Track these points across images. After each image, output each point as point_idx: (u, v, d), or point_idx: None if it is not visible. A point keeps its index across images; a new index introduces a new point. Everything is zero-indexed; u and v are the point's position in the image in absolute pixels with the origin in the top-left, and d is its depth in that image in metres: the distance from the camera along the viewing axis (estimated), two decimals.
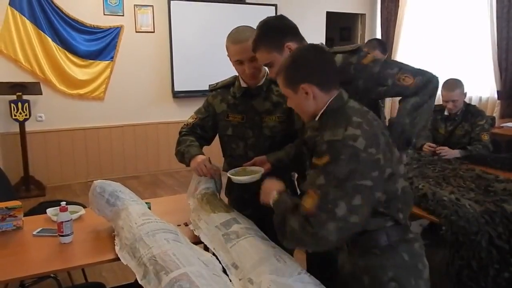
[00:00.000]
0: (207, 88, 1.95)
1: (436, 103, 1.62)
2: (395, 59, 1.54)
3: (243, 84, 1.81)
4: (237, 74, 1.84)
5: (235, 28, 1.74)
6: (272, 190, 1.36)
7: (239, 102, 1.82)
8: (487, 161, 2.70)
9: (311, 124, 1.32)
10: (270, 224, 1.79)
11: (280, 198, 1.31)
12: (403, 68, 1.54)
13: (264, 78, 1.80)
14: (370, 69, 1.52)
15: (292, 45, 1.50)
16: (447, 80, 3.03)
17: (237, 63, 1.71)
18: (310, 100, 1.27)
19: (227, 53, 1.76)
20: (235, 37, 1.68)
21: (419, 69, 1.56)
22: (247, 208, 1.79)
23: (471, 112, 3.04)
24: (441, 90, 3.02)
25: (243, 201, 1.85)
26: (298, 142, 1.77)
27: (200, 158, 1.74)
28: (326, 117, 1.26)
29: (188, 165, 1.79)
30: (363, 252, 1.26)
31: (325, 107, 1.27)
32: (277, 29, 1.51)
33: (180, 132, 1.92)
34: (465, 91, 3.03)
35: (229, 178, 1.77)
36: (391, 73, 1.52)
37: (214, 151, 1.82)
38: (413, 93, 1.52)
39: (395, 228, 1.24)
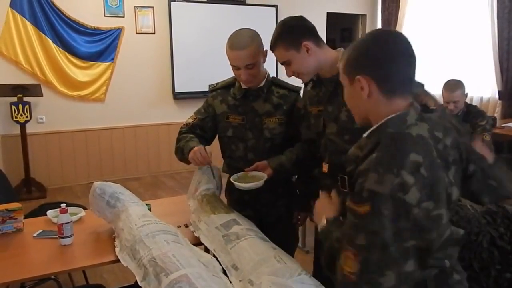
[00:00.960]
0: (207, 89, 1.94)
1: (438, 100, 1.61)
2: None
3: (244, 86, 1.80)
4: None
5: (237, 31, 1.72)
6: (322, 213, 1.17)
7: (240, 103, 1.82)
8: None
9: (358, 141, 1.08)
10: (269, 224, 1.81)
11: (328, 229, 1.10)
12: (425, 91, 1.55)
13: (265, 80, 1.80)
14: None
15: (310, 44, 1.51)
16: (448, 81, 3.03)
17: (234, 68, 1.72)
18: (363, 98, 1.03)
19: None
20: (233, 43, 1.68)
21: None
22: (247, 209, 1.80)
23: (472, 112, 3.04)
24: (442, 91, 3.03)
25: (243, 202, 1.85)
26: (300, 145, 1.77)
27: (196, 148, 1.74)
28: (376, 138, 0.99)
29: (187, 160, 1.78)
30: None
31: (380, 123, 1.01)
32: (296, 28, 1.53)
33: (179, 132, 1.91)
34: (466, 92, 3.02)
35: (229, 179, 1.78)
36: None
37: (213, 151, 1.81)
38: None
39: (439, 276, 1.02)
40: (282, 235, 1.81)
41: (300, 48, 1.50)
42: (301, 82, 1.66)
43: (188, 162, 1.80)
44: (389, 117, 1.00)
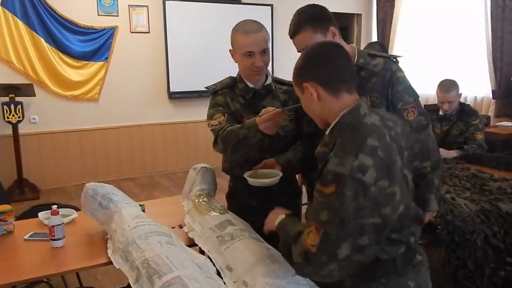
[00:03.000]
0: (203, 88, 1.87)
1: (431, 103, 1.63)
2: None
3: (251, 85, 1.73)
4: (227, 73, 1.80)
5: (242, 21, 1.68)
6: (277, 214, 1.29)
7: (250, 102, 1.73)
8: (483, 160, 2.70)
9: (322, 139, 1.19)
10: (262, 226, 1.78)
11: (285, 220, 1.23)
12: (417, 102, 1.58)
13: (270, 77, 1.77)
14: (398, 84, 1.56)
15: (335, 31, 1.52)
16: (442, 81, 3.05)
17: (246, 55, 1.64)
18: (315, 102, 1.15)
19: (230, 49, 1.70)
20: (246, 28, 1.62)
21: (426, 112, 1.62)
22: (255, 215, 1.70)
23: (465, 111, 3.06)
24: (437, 91, 3.05)
25: (251, 208, 1.75)
26: (302, 141, 1.75)
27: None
28: (337, 132, 1.11)
29: (258, 140, 1.50)
30: (368, 279, 1.15)
31: (336, 120, 1.13)
32: (323, 12, 1.53)
33: (217, 134, 1.65)
34: (460, 92, 3.04)
35: (233, 186, 1.74)
36: (406, 100, 1.56)
37: (211, 151, 1.75)
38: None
39: (406, 254, 1.14)
40: None
41: (327, 33, 1.51)
42: None
43: (257, 137, 1.49)
44: (344, 111, 1.12)
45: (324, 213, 1.02)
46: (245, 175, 1.60)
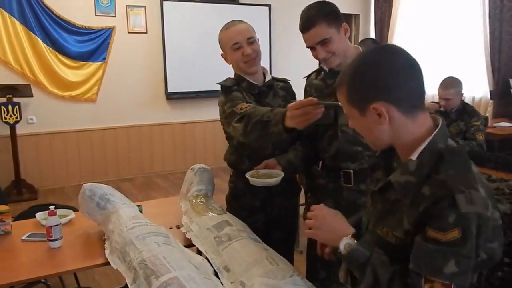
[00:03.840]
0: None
1: (431, 99, 1.61)
2: None
3: (254, 81, 1.74)
4: (225, 74, 1.81)
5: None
6: (339, 230, 1.04)
7: (256, 99, 1.73)
8: (481, 160, 2.72)
9: (402, 166, 0.96)
10: (273, 224, 1.78)
11: (355, 251, 0.98)
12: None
13: (268, 74, 1.79)
14: None
15: (347, 27, 1.54)
16: (445, 78, 3.13)
17: (234, 49, 1.66)
18: (385, 125, 0.93)
19: (221, 51, 1.72)
20: (228, 24, 1.69)
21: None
22: (258, 215, 1.75)
23: (467, 112, 3.09)
24: (438, 87, 3.11)
25: (254, 208, 1.77)
26: (301, 142, 1.75)
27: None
28: (431, 158, 0.91)
29: (280, 130, 1.40)
30: None
31: (428, 141, 0.92)
32: (336, 9, 1.54)
33: (245, 113, 1.52)
34: (461, 92, 3.08)
35: (234, 187, 1.75)
36: None
37: (218, 147, 1.75)
38: None
39: None
40: (284, 234, 1.81)
41: (340, 28, 1.52)
42: (325, 66, 1.63)
43: (281, 128, 1.39)
44: (435, 132, 0.93)
45: (451, 265, 0.84)
46: (247, 175, 1.60)
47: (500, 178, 2.30)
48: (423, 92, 0.96)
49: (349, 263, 1.00)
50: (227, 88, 1.71)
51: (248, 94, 1.72)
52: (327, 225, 1.05)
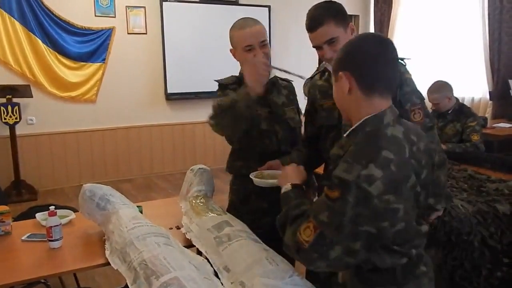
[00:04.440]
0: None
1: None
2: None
3: None
4: (228, 75, 1.80)
5: (238, 19, 1.72)
6: (289, 178, 1.29)
7: (259, 97, 1.68)
8: (479, 161, 2.72)
9: (340, 140, 1.18)
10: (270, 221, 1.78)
11: (289, 193, 1.23)
12: (423, 104, 1.59)
13: (270, 73, 1.76)
14: (406, 85, 1.57)
15: (354, 27, 1.55)
16: (433, 83, 3.15)
17: (246, 50, 1.66)
18: (345, 94, 1.10)
19: (230, 48, 1.71)
20: (242, 24, 1.67)
21: (431, 114, 1.63)
22: (267, 217, 1.71)
23: (464, 112, 3.09)
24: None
25: (262, 210, 1.76)
26: (304, 143, 1.77)
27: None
28: (353, 137, 1.09)
29: (247, 96, 1.54)
30: (368, 287, 1.13)
31: (358, 123, 1.09)
32: (343, 9, 1.55)
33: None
34: (450, 94, 3.09)
35: (240, 190, 1.75)
36: (414, 101, 1.56)
37: (218, 148, 1.76)
38: None
39: (407, 265, 1.11)
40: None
41: (347, 28, 1.53)
42: (329, 66, 1.64)
43: (242, 101, 1.53)
44: (367, 117, 1.08)
45: (325, 214, 1.02)
46: (251, 175, 1.60)
47: (499, 179, 2.31)
48: (388, 81, 1.11)
49: (282, 202, 1.24)
50: (222, 86, 1.75)
51: None
52: (286, 174, 1.33)
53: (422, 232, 1.15)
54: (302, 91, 2.81)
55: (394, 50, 1.11)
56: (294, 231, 1.09)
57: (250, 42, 1.64)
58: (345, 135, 1.14)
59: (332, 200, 1.02)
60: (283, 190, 1.26)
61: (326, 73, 1.69)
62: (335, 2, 1.55)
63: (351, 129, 1.11)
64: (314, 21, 1.51)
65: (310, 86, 1.78)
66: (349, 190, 0.98)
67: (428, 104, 3.29)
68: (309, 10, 1.54)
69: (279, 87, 1.80)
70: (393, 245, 1.06)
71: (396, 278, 1.11)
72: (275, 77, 1.81)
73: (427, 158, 1.11)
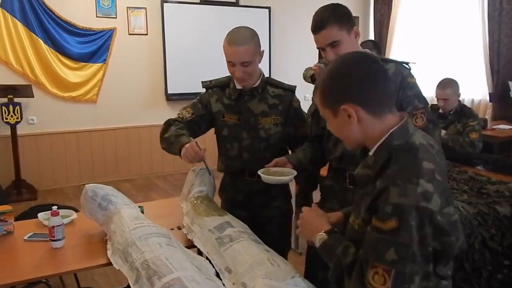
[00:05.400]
0: (200, 90, 1.92)
1: (430, 101, 1.64)
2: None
3: (238, 86, 1.79)
4: (227, 74, 1.84)
5: (236, 27, 1.73)
6: (317, 227, 1.14)
7: (235, 103, 1.81)
8: (468, 161, 2.76)
9: (363, 160, 1.08)
10: (262, 225, 1.80)
11: (328, 242, 1.09)
12: (426, 108, 1.59)
13: (260, 80, 1.79)
14: (408, 89, 1.57)
15: (358, 31, 1.56)
16: (442, 79, 3.16)
17: (229, 63, 1.71)
18: (354, 125, 1.02)
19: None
20: (232, 39, 1.68)
21: (435, 120, 1.62)
22: (240, 209, 1.79)
23: (465, 113, 3.11)
24: (436, 88, 3.15)
25: (236, 202, 1.86)
26: (309, 143, 1.77)
27: (188, 144, 1.66)
28: (384, 153, 1.00)
29: (178, 154, 1.71)
30: None
31: (383, 139, 1.02)
32: (349, 12, 1.56)
33: (169, 123, 1.82)
34: (459, 92, 3.12)
35: (223, 179, 1.74)
36: (416, 105, 1.56)
37: (209, 149, 1.78)
38: None
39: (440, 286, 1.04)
40: (275, 236, 1.81)
41: (351, 32, 1.53)
42: None
43: (175, 154, 1.74)
44: (392, 130, 1.01)
45: (391, 252, 0.91)
46: (259, 172, 1.63)
47: (499, 181, 2.31)
48: (390, 95, 1.06)
49: (322, 254, 1.11)
50: (204, 86, 1.88)
51: (226, 97, 1.83)
52: (310, 223, 1.18)
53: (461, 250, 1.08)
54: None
55: (379, 62, 1.06)
56: (359, 280, 0.97)
57: (232, 60, 1.68)
58: (370, 153, 1.05)
59: (391, 233, 0.91)
60: (319, 243, 1.11)
61: None
62: (341, 5, 1.56)
63: (378, 145, 1.03)
64: (319, 23, 1.52)
65: (315, 86, 1.79)
66: (410, 214, 0.90)
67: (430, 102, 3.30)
68: (316, 12, 1.55)
69: (264, 95, 1.80)
70: (443, 265, 1.01)
71: None
72: (266, 82, 1.81)
73: (443, 160, 1.08)
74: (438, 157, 1.02)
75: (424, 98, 1.61)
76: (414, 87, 1.59)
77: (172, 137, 1.74)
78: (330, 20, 1.50)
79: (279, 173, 1.63)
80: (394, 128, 1.01)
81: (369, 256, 0.95)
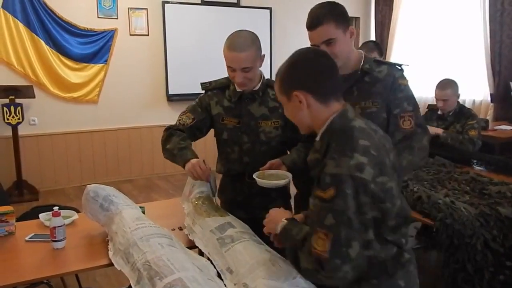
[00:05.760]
0: (201, 91, 1.91)
1: (431, 102, 1.63)
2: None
3: (238, 89, 1.78)
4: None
5: (237, 31, 1.71)
6: (278, 218, 1.27)
7: (235, 106, 1.80)
8: (467, 161, 2.76)
9: (313, 146, 1.22)
10: (262, 226, 1.79)
11: (288, 225, 1.22)
12: (415, 112, 1.58)
13: (260, 83, 1.79)
14: (398, 91, 1.56)
15: (354, 31, 1.55)
16: (442, 80, 3.15)
17: (229, 68, 1.70)
18: (304, 110, 1.18)
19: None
20: (232, 44, 1.65)
21: (425, 125, 1.63)
22: (240, 210, 1.78)
23: (464, 113, 3.10)
24: (435, 89, 3.13)
25: (236, 203, 1.85)
26: (304, 143, 1.76)
27: (195, 160, 1.68)
28: (328, 137, 1.14)
29: (181, 166, 1.72)
30: (360, 280, 1.13)
31: (326, 125, 1.17)
32: (345, 11, 1.55)
33: (170, 131, 1.82)
34: (458, 93, 3.10)
35: (222, 180, 1.74)
36: (404, 108, 1.56)
37: (210, 152, 1.79)
38: (402, 137, 1.56)
39: (396, 254, 1.16)
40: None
41: (346, 31, 1.53)
42: None
43: (180, 165, 1.74)
44: (332, 117, 1.16)
45: (329, 217, 1.03)
46: (254, 175, 1.62)
47: (501, 182, 2.31)
48: (338, 86, 1.22)
49: (282, 239, 1.23)
50: (203, 88, 1.87)
51: (226, 99, 1.81)
52: (273, 217, 1.31)
53: (409, 218, 1.21)
54: None
55: (329, 57, 1.23)
56: (308, 250, 1.08)
57: (232, 66, 1.67)
58: (317, 139, 1.19)
59: (330, 201, 1.04)
60: (279, 229, 1.24)
61: None
62: (338, 3, 1.55)
63: (322, 132, 1.17)
64: (315, 19, 1.51)
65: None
66: (345, 182, 1.02)
67: (421, 106, 3.29)
68: (312, 9, 1.54)
69: (265, 98, 1.79)
70: (388, 235, 1.11)
71: (387, 268, 1.15)
72: (266, 85, 1.80)
73: (388, 143, 1.21)
74: (381, 139, 1.16)
75: (415, 101, 1.61)
76: (405, 89, 1.58)
77: (175, 149, 1.74)
78: (327, 17, 1.49)
79: (274, 176, 1.63)
80: (334, 115, 1.16)
81: (314, 224, 1.09)
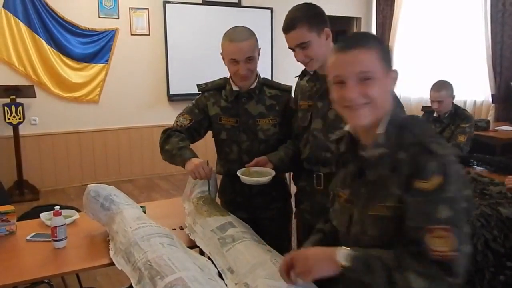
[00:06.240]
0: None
1: (425, 104, 1.63)
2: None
3: (235, 88, 1.79)
4: (226, 76, 1.83)
5: (232, 27, 1.72)
6: (324, 252, 1.00)
7: (232, 105, 1.80)
8: (476, 163, 2.75)
9: (371, 143, 1.03)
10: (263, 226, 1.80)
11: (359, 253, 0.95)
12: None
13: (256, 81, 1.79)
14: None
15: (329, 32, 1.53)
16: (437, 81, 3.13)
17: (232, 62, 1.69)
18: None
19: (221, 52, 1.74)
20: (233, 36, 1.67)
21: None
22: (240, 211, 1.78)
23: (459, 115, 3.08)
24: (430, 90, 3.12)
25: (236, 203, 1.85)
26: (292, 141, 1.77)
27: (197, 160, 1.67)
28: (393, 128, 1.00)
29: (181, 166, 1.72)
30: None
31: (389, 117, 1.02)
32: (320, 12, 1.53)
33: (168, 133, 1.81)
34: (453, 94, 3.09)
35: (222, 180, 1.74)
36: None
37: (210, 153, 1.80)
38: None
39: None
40: (276, 237, 1.81)
41: (321, 33, 1.51)
42: (297, 72, 1.69)
43: (180, 166, 1.74)
44: (390, 111, 1.04)
45: (443, 209, 0.86)
46: (238, 172, 1.64)
47: (502, 182, 2.30)
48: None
49: (355, 271, 0.94)
50: (200, 89, 1.87)
51: (223, 99, 1.81)
52: (312, 259, 1.01)
53: None
54: None
55: None
56: (418, 255, 0.87)
57: (235, 57, 1.67)
58: (381, 131, 1.01)
59: (438, 191, 0.87)
60: (346, 263, 0.95)
61: (307, 75, 1.70)
62: (314, 5, 1.54)
63: (384, 126, 1.01)
64: (289, 24, 1.52)
65: (296, 84, 1.80)
66: (451, 166, 0.89)
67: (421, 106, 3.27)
68: (289, 11, 1.55)
69: (262, 96, 1.80)
70: None
71: None
72: (262, 84, 1.81)
73: None
74: None
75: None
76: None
77: (174, 149, 1.73)
78: (299, 21, 1.49)
79: (258, 173, 1.64)
80: (391, 111, 1.04)
81: (419, 223, 0.88)
